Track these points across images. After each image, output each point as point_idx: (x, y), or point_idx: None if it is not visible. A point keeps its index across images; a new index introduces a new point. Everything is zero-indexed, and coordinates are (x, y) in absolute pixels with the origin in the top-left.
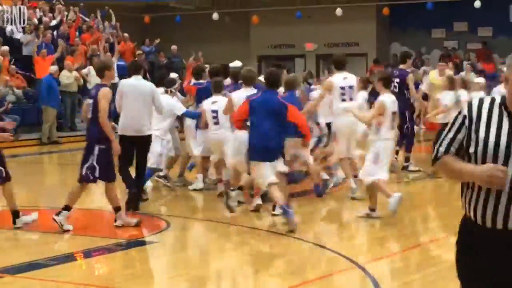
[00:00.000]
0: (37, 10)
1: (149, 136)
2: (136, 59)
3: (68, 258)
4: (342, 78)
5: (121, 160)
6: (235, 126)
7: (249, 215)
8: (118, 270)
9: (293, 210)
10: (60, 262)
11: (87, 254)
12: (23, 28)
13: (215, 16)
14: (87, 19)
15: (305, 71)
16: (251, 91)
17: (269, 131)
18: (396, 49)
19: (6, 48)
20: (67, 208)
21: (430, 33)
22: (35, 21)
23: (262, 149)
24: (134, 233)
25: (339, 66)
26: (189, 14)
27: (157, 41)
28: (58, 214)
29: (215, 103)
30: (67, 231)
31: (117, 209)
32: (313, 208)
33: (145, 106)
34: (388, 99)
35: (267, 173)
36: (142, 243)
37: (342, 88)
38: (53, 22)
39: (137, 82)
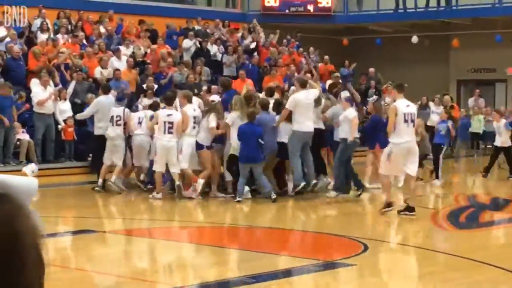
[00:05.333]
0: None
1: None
2: (332, 81)
3: (266, 277)
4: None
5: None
6: None
7: (453, 242)
8: None
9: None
10: (259, 280)
11: (285, 273)
12: (225, 49)
13: (415, 39)
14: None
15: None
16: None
17: None
18: None
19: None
20: None
21: None
22: (236, 42)
23: None
24: (331, 255)
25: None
26: (387, 36)
27: (354, 65)
28: None
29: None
30: None
31: None
32: None
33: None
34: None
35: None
36: (340, 265)
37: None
38: (253, 45)
39: (107, 99)
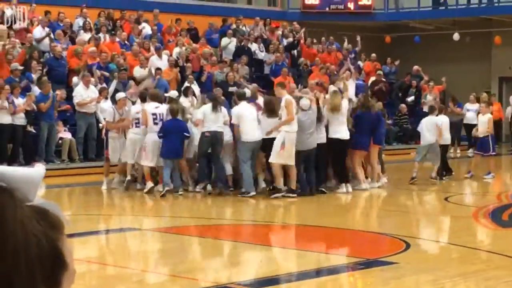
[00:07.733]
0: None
1: None
2: (375, 79)
3: (307, 275)
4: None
5: None
6: None
7: (495, 240)
8: None
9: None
10: (300, 278)
11: (327, 271)
12: (266, 47)
13: (456, 36)
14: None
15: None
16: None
17: None
18: None
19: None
20: None
21: None
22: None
23: None
24: (373, 253)
25: None
26: (429, 34)
27: (397, 62)
28: None
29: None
30: None
31: None
32: None
33: None
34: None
35: None
36: (382, 263)
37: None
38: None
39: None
